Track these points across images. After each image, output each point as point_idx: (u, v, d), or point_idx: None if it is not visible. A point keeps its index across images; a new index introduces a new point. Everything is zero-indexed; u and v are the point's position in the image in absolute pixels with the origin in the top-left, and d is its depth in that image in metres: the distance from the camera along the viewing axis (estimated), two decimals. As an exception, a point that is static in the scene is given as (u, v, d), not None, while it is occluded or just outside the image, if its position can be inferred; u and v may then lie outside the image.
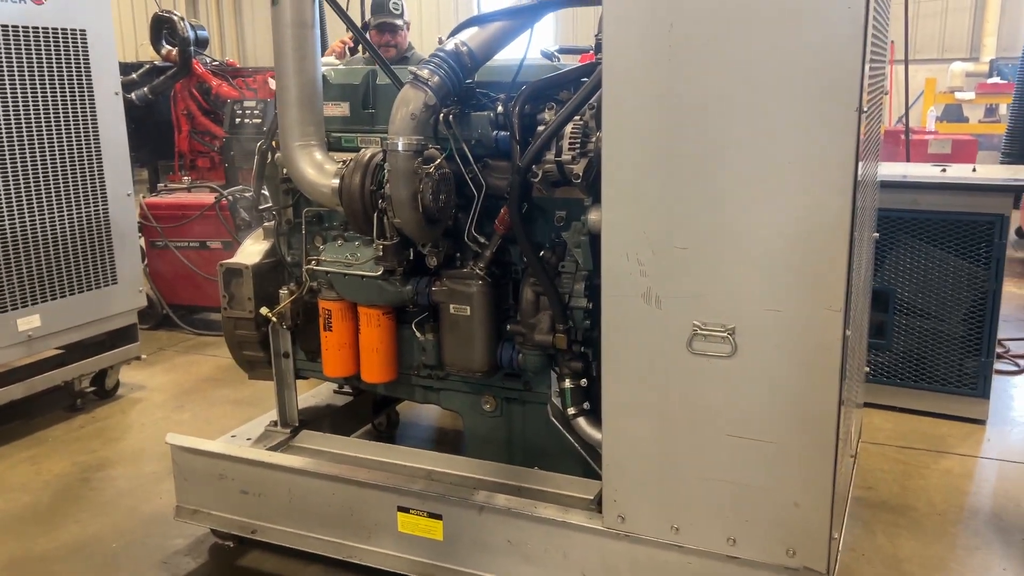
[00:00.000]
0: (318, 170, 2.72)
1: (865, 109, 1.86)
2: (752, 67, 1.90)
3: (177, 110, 7.78)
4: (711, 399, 2.11)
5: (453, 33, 2.59)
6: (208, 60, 7.89)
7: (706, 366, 2.10)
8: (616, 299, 2.17)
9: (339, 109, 2.96)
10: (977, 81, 10.63)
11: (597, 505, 2.46)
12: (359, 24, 4.77)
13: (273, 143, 2.99)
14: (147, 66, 7.50)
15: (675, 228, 2.06)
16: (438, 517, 2.59)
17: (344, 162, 2.72)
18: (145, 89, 7.34)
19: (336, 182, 2.66)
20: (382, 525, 2.68)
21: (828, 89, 1.84)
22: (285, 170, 2.94)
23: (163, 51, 7.43)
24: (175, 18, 7.28)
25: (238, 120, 7.15)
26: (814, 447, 2.03)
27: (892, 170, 4.52)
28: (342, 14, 2.79)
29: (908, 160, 5.26)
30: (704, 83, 1.96)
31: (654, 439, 2.20)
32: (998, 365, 4.73)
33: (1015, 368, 4.77)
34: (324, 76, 2.85)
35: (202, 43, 7.69)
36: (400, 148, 2.45)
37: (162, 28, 7.37)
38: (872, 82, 2.39)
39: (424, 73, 2.46)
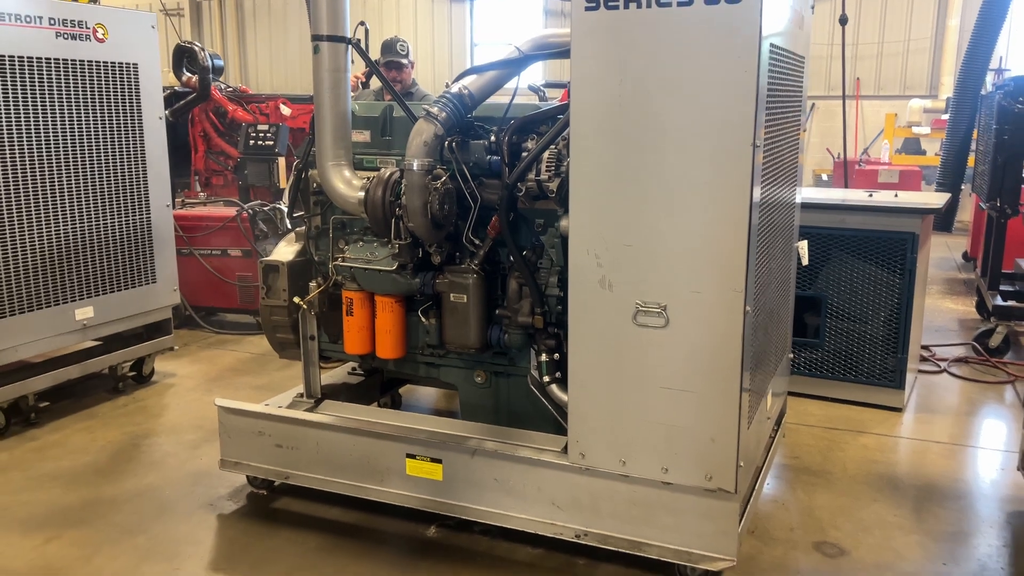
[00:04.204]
0: (347, 185, 3.41)
1: (758, 144, 2.56)
2: (679, 112, 2.60)
3: (195, 132, 8.45)
4: (650, 360, 2.79)
5: (457, 79, 3.29)
6: (224, 86, 8.58)
7: (646, 335, 2.78)
8: (579, 285, 2.86)
9: (362, 136, 3.65)
10: (934, 117, 11.47)
11: (564, 452, 3.12)
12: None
13: (307, 162, 3.67)
14: (167, 91, 8.13)
15: (623, 230, 2.74)
16: (438, 461, 3.25)
17: (368, 179, 3.40)
18: (166, 112, 7.98)
19: (362, 194, 3.35)
20: (393, 469, 3.33)
21: (731, 130, 2.54)
22: (316, 184, 3.63)
23: (183, 78, 8.09)
24: (196, 48, 7.95)
25: (252, 142, 7.82)
26: (724, 395, 2.71)
27: (831, 194, 5.26)
28: (369, 63, 3.49)
29: (846, 187, 5.99)
30: (644, 123, 2.65)
31: (607, 392, 2.88)
32: (923, 365, 5.46)
33: (937, 368, 5.47)
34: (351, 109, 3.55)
35: (218, 71, 8.35)
36: (415, 168, 3.14)
37: (183, 57, 8.03)
38: (785, 122, 3.11)
39: (435, 110, 3.16)
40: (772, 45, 2.68)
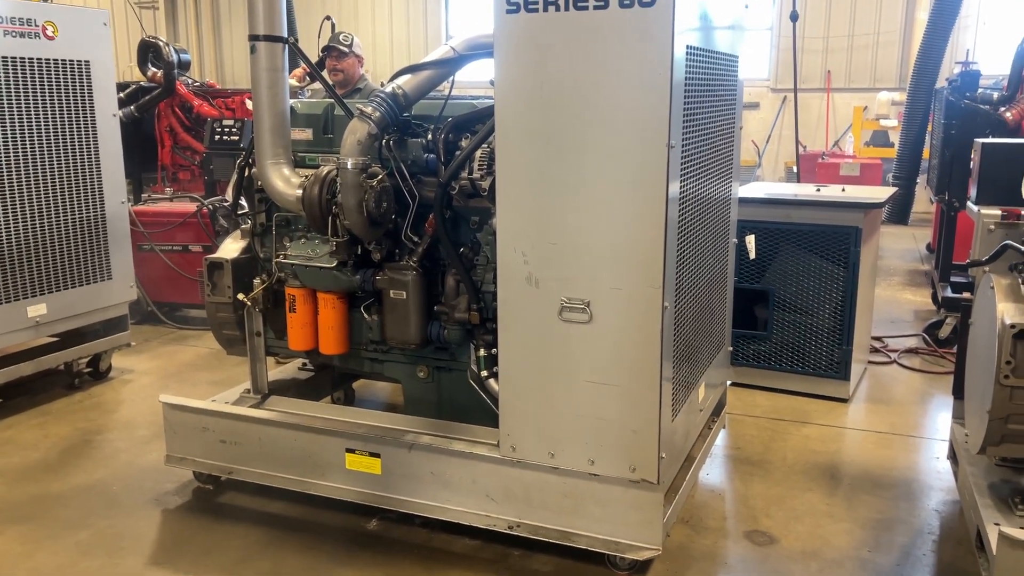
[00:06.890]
0: (286, 183, 3.45)
1: (673, 144, 2.62)
2: (597, 114, 2.65)
3: (160, 127, 8.42)
4: (575, 354, 2.86)
5: (392, 78, 3.33)
6: (190, 81, 8.56)
7: (571, 330, 2.84)
8: (507, 282, 2.92)
9: (304, 134, 3.69)
10: (901, 109, 11.58)
11: (498, 446, 3.18)
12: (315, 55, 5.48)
13: (250, 160, 3.71)
14: (133, 86, 8.12)
15: (548, 229, 2.80)
16: (377, 455, 3.30)
17: (307, 176, 3.44)
18: (132, 107, 7.96)
19: (300, 192, 3.39)
20: (333, 464, 3.39)
21: (646, 130, 2.60)
22: (259, 183, 3.66)
23: (149, 73, 8.07)
24: (160, 43, 7.92)
25: (217, 137, 7.81)
26: (645, 388, 2.77)
27: (779, 189, 5.34)
28: (308, 63, 3.54)
29: (798, 181, 6.07)
30: (565, 124, 2.71)
31: (535, 386, 2.94)
32: (873, 356, 5.55)
33: (888, 359, 5.57)
34: (292, 107, 3.58)
35: (184, 66, 8.34)
36: (349, 166, 3.18)
37: (148, 52, 8.01)
38: (713, 120, 3.17)
39: (368, 109, 3.20)
40: (690, 46, 2.74)
